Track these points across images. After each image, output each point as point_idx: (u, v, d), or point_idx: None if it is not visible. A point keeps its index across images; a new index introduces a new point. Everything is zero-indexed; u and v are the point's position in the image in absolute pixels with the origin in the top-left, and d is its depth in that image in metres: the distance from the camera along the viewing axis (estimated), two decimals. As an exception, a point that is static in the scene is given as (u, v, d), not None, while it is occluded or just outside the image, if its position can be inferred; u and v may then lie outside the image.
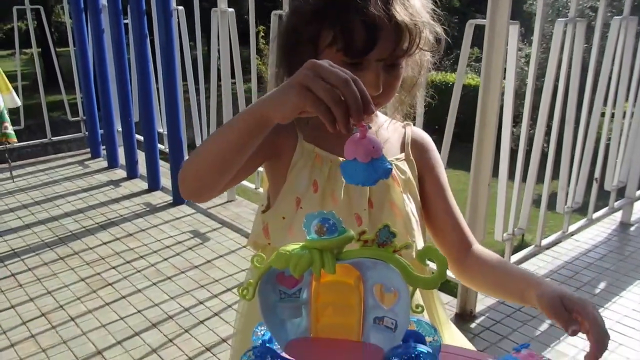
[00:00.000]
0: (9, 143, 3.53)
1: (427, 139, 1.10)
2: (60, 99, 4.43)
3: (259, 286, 0.72)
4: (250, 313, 1.06)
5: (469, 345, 1.05)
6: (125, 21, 3.74)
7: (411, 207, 1.00)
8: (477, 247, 1.04)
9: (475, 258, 1.01)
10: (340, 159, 0.97)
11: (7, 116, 3.42)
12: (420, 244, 0.99)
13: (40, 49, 4.33)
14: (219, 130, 0.83)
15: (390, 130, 1.06)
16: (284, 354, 0.74)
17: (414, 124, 1.11)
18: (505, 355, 0.77)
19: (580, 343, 2.18)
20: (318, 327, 0.75)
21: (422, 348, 0.71)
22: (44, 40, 4.41)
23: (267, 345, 0.76)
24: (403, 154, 1.05)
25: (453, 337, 1.06)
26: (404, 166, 1.03)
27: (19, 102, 3.64)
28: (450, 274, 2.47)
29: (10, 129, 3.45)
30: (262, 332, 0.79)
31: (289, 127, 0.96)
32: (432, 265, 0.71)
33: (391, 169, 0.71)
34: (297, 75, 0.69)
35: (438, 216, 1.04)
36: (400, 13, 0.86)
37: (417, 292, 0.96)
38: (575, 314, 0.82)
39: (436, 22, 0.95)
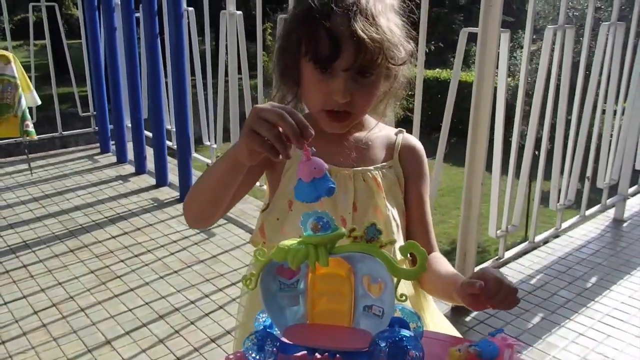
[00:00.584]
0: (31, 139, 3.63)
1: (418, 147, 1.17)
2: (70, 91, 4.52)
3: (260, 277, 0.80)
4: (252, 306, 1.16)
5: (453, 331, 1.14)
6: (137, 14, 3.84)
7: (392, 212, 1.08)
8: (435, 254, 1.12)
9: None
10: (329, 165, 1.06)
11: (28, 114, 3.51)
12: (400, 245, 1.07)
13: (51, 42, 4.43)
14: (207, 171, 0.98)
15: (380, 135, 1.14)
16: (283, 338, 0.82)
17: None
18: (482, 339, 0.85)
19: (570, 335, 2.28)
20: (314, 314, 0.83)
21: (405, 332, 0.78)
22: (55, 32, 4.51)
23: (268, 330, 0.84)
24: (390, 161, 1.13)
25: (437, 324, 1.15)
26: (390, 172, 1.11)
27: (39, 101, 3.73)
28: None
29: (31, 127, 3.52)
30: (264, 319, 0.86)
31: None
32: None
33: (334, 188, 0.80)
34: (246, 120, 0.82)
35: (412, 223, 1.13)
36: (362, 28, 0.95)
37: (404, 283, 1.05)
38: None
39: (408, 40, 1.04)
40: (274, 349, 0.82)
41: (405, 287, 1.10)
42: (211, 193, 0.98)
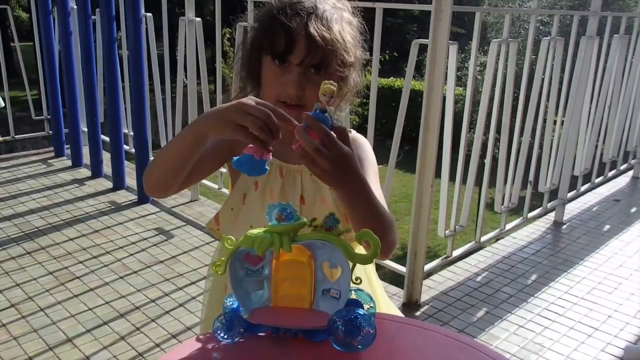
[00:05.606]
0: None
1: (360, 138, 1.27)
2: (16, 94, 4.45)
3: (229, 263, 0.88)
4: (215, 289, 1.28)
5: (398, 313, 1.26)
6: (93, 18, 3.85)
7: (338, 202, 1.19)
8: None
9: None
10: (279, 162, 1.18)
11: None
12: None
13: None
14: (170, 141, 1.05)
15: None
16: (249, 320, 0.90)
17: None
18: None
19: (512, 327, 2.44)
20: (277, 298, 0.90)
21: (360, 311, 0.87)
22: (4, 35, 4.44)
23: (236, 312, 0.91)
24: None
25: (386, 306, 1.27)
26: None
27: (2, 103, 3.69)
28: (397, 266, 2.66)
29: None
30: (231, 302, 0.93)
31: None
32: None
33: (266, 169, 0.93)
34: (230, 112, 0.92)
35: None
36: (315, 28, 1.07)
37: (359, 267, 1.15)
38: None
39: (361, 49, 1.16)
40: (241, 329, 0.90)
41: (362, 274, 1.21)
42: (174, 160, 1.04)
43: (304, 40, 1.06)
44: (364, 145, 1.26)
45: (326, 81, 0.91)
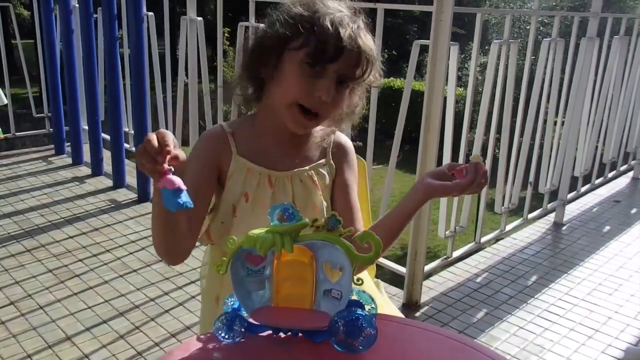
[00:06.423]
0: None
1: (348, 144, 1.27)
2: (16, 92, 4.44)
3: (230, 263, 0.88)
4: (210, 286, 1.28)
5: (398, 314, 1.26)
6: (95, 16, 3.85)
7: (329, 208, 1.20)
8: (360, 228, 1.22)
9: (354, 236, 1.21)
10: (268, 171, 1.16)
11: None
12: None
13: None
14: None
15: (317, 136, 1.23)
16: (250, 319, 0.90)
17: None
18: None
19: (512, 329, 2.44)
20: (278, 298, 0.90)
21: (361, 312, 0.87)
22: (5, 33, 4.44)
23: (237, 312, 0.91)
24: (324, 159, 1.22)
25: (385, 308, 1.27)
26: (325, 170, 1.21)
27: (5, 100, 3.68)
28: (397, 267, 2.66)
29: None
30: (232, 302, 0.93)
31: (224, 142, 1.16)
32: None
33: (183, 204, 0.87)
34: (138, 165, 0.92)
35: (337, 206, 1.23)
36: (364, 42, 1.06)
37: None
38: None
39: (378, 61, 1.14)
40: (242, 329, 0.90)
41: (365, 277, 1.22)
42: (159, 233, 1.05)
43: (352, 52, 1.05)
44: (349, 150, 1.27)
45: (475, 154, 0.97)
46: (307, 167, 1.19)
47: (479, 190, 1.08)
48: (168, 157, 0.87)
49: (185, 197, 0.86)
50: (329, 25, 1.04)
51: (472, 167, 1.05)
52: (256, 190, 1.15)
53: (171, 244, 1.06)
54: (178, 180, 0.87)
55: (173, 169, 0.88)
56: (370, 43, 1.09)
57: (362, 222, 1.24)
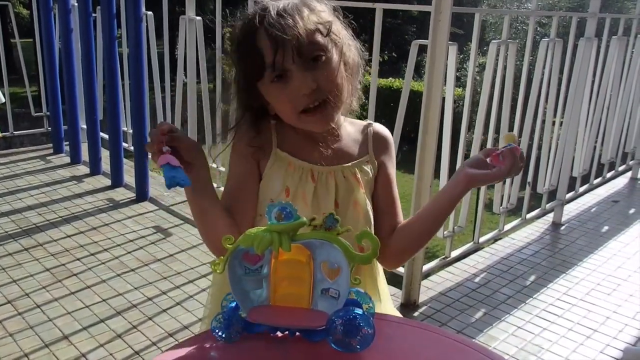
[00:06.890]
0: None
1: (388, 136, 1.24)
2: (14, 91, 4.43)
3: (228, 262, 0.87)
4: (221, 283, 1.24)
5: (396, 313, 1.26)
6: (94, 14, 3.85)
7: (370, 206, 1.17)
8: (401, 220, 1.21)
9: (396, 229, 1.20)
10: (310, 165, 1.13)
11: None
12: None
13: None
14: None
15: (352, 131, 1.20)
16: (247, 319, 0.90)
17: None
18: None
19: (510, 329, 2.44)
20: (276, 297, 0.90)
21: (359, 312, 0.87)
22: (4, 31, 4.43)
23: (234, 311, 0.91)
24: (366, 156, 1.19)
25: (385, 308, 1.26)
26: (367, 167, 1.18)
27: (3, 99, 3.68)
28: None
29: None
30: (230, 301, 0.93)
31: (266, 135, 1.14)
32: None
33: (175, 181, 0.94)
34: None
35: (379, 203, 1.20)
36: (303, 18, 1.02)
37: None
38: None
39: (336, 18, 1.10)
40: (239, 328, 0.90)
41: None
42: (195, 219, 1.11)
43: (298, 38, 1.01)
44: (391, 143, 1.26)
45: (508, 133, 0.97)
46: (350, 164, 1.16)
47: (518, 173, 1.10)
48: (164, 137, 0.96)
49: (180, 175, 0.93)
50: (266, 37, 1.02)
51: (507, 151, 1.05)
52: (298, 184, 1.11)
53: (207, 231, 1.11)
54: (169, 157, 0.94)
55: (169, 149, 0.96)
56: (313, 13, 1.05)
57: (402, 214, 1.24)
